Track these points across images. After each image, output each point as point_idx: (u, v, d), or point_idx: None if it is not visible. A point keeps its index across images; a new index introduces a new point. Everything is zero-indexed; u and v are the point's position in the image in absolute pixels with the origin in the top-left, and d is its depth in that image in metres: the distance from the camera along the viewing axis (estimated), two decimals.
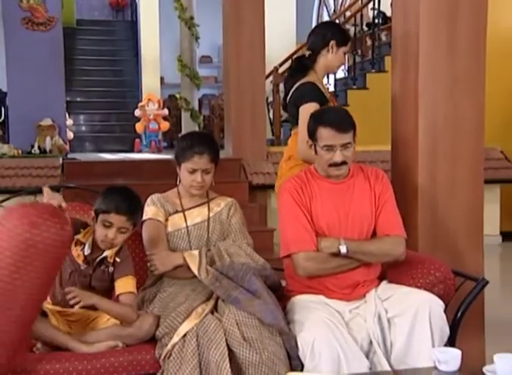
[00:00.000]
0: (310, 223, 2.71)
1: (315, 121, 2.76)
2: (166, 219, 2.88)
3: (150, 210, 2.89)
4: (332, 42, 3.45)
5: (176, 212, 2.90)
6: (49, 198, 2.46)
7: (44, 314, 2.60)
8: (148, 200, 2.94)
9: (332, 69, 3.62)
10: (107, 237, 2.60)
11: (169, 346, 2.50)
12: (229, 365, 2.40)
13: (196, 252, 2.74)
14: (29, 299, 2.32)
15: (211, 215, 2.91)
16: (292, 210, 2.72)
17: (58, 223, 2.30)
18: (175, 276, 2.78)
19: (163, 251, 2.79)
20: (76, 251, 2.66)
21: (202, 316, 2.54)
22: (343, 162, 2.71)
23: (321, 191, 2.77)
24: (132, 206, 2.65)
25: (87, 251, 2.65)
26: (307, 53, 3.58)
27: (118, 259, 2.69)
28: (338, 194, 2.77)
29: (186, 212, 2.89)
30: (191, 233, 2.86)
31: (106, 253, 2.67)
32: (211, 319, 2.54)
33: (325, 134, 2.69)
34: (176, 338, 2.51)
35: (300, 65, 3.54)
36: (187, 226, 2.87)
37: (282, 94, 4.53)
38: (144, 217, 2.88)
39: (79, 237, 2.66)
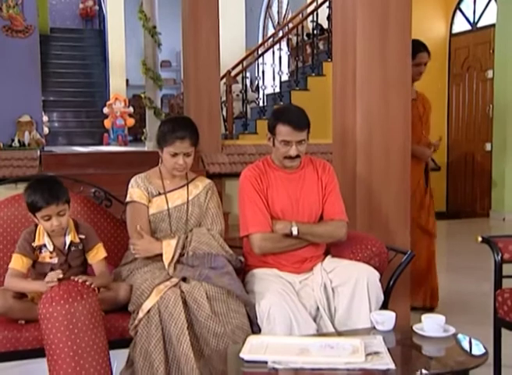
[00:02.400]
0: (266, 208, 2.69)
1: (276, 118, 2.72)
2: (149, 200, 2.71)
3: (134, 192, 2.71)
4: None
5: (159, 194, 2.73)
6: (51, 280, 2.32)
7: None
8: (132, 181, 2.75)
9: None
10: (53, 226, 2.47)
11: (136, 321, 2.43)
12: (188, 338, 2.33)
13: (174, 243, 2.60)
14: None
15: (190, 198, 2.75)
16: (251, 196, 2.70)
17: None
18: (153, 259, 2.64)
19: (146, 235, 2.64)
20: (42, 255, 2.53)
21: (162, 293, 2.42)
22: (297, 156, 2.70)
23: (277, 179, 2.75)
24: (56, 192, 2.47)
25: (50, 247, 2.53)
26: None
27: (82, 236, 2.58)
28: (291, 183, 2.76)
29: (167, 195, 2.73)
30: (172, 215, 2.71)
31: (68, 238, 2.55)
32: (170, 293, 2.41)
33: (284, 131, 2.66)
34: (140, 314, 2.42)
35: None
36: (168, 209, 2.71)
37: None
38: (128, 199, 2.71)
39: (35, 244, 2.52)
